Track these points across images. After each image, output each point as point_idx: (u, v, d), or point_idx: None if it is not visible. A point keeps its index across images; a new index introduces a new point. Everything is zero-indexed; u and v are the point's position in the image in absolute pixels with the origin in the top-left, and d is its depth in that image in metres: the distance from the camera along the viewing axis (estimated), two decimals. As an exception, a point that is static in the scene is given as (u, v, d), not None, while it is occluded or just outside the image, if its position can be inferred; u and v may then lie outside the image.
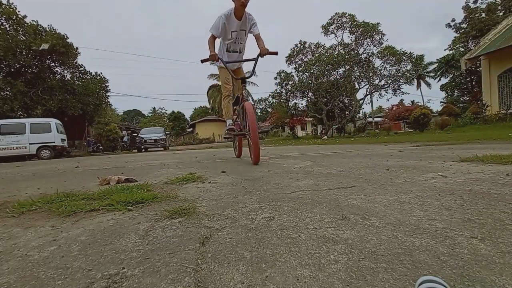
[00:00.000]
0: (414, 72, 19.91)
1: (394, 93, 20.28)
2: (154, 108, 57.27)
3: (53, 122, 11.74)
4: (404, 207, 1.03)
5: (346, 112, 22.26)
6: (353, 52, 19.69)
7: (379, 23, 19.30)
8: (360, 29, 19.56)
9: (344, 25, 20.41)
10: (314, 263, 0.63)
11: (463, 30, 22.38)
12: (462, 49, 22.83)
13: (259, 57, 3.02)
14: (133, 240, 0.84)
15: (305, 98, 22.30)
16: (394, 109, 28.58)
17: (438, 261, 0.61)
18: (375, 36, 19.57)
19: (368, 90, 21.29)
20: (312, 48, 21.10)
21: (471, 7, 20.99)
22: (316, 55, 20.49)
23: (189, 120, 46.62)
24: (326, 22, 20.81)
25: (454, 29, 23.30)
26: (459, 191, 1.22)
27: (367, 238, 0.75)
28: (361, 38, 19.89)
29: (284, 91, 21.49)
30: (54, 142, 11.42)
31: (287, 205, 1.15)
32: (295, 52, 21.13)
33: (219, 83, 31.30)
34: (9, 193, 1.89)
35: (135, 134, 18.03)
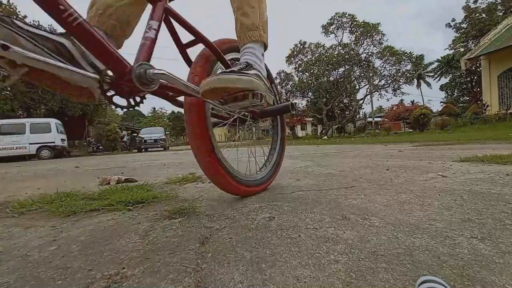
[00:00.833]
0: (414, 72, 19.93)
1: (394, 93, 20.31)
2: (154, 108, 57.33)
3: (53, 122, 11.75)
4: (404, 207, 1.03)
5: (346, 112, 22.27)
6: (352, 52, 19.69)
7: (379, 23, 19.32)
8: (360, 29, 19.57)
9: (345, 25, 20.42)
10: (314, 263, 0.63)
11: (463, 30, 22.40)
12: (462, 49, 22.84)
13: None
14: (133, 240, 0.84)
15: (305, 98, 22.31)
16: (394, 109, 28.58)
17: (438, 261, 0.61)
18: (375, 36, 19.59)
19: (368, 90, 21.30)
20: (312, 48, 21.11)
21: (471, 7, 21.00)
22: (316, 55, 20.50)
23: (189, 120, 46.47)
24: (327, 22, 20.82)
25: (454, 29, 23.31)
26: (459, 191, 1.22)
27: (367, 238, 0.75)
28: (361, 38, 19.90)
29: (284, 91, 21.50)
30: (54, 142, 11.43)
31: (287, 205, 1.15)
32: (295, 52, 21.14)
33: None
34: (9, 193, 1.89)
35: (135, 134, 18.05)
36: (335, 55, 19.47)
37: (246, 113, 1.40)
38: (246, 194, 1.33)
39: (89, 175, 2.89)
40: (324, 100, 21.08)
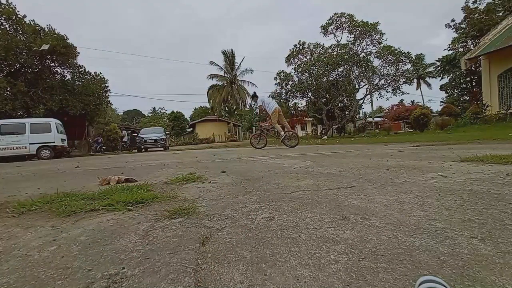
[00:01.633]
0: (414, 72, 19.90)
1: (394, 92, 20.27)
2: (154, 108, 57.33)
3: (53, 122, 11.74)
4: (404, 207, 1.03)
5: (346, 112, 22.23)
6: (351, 52, 19.67)
7: (378, 22, 19.31)
8: (359, 29, 19.55)
9: (343, 25, 20.40)
10: (314, 263, 0.63)
11: (462, 30, 22.40)
12: (461, 49, 22.83)
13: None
14: (133, 240, 0.84)
15: (305, 98, 22.29)
16: (394, 109, 28.59)
17: (438, 261, 0.61)
18: (374, 35, 19.56)
19: (368, 89, 21.27)
20: (311, 48, 21.08)
21: (471, 7, 21.00)
22: (315, 55, 20.48)
23: (189, 120, 46.62)
24: (325, 22, 20.80)
25: (453, 29, 23.30)
26: (459, 191, 1.22)
27: (367, 238, 0.75)
28: (360, 37, 19.88)
29: (284, 91, 21.47)
30: (54, 142, 11.42)
31: (287, 205, 1.15)
32: (294, 53, 21.11)
33: (219, 83, 31.35)
34: (9, 193, 1.89)
35: (135, 134, 18.03)
36: (334, 55, 19.46)
37: None
38: None
39: (89, 175, 2.89)
40: (324, 100, 21.06)
